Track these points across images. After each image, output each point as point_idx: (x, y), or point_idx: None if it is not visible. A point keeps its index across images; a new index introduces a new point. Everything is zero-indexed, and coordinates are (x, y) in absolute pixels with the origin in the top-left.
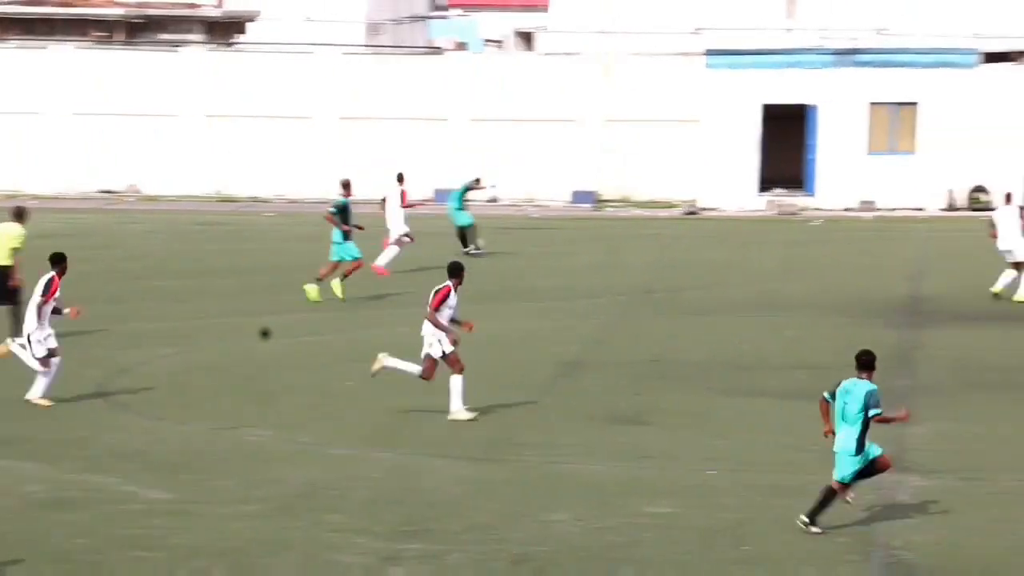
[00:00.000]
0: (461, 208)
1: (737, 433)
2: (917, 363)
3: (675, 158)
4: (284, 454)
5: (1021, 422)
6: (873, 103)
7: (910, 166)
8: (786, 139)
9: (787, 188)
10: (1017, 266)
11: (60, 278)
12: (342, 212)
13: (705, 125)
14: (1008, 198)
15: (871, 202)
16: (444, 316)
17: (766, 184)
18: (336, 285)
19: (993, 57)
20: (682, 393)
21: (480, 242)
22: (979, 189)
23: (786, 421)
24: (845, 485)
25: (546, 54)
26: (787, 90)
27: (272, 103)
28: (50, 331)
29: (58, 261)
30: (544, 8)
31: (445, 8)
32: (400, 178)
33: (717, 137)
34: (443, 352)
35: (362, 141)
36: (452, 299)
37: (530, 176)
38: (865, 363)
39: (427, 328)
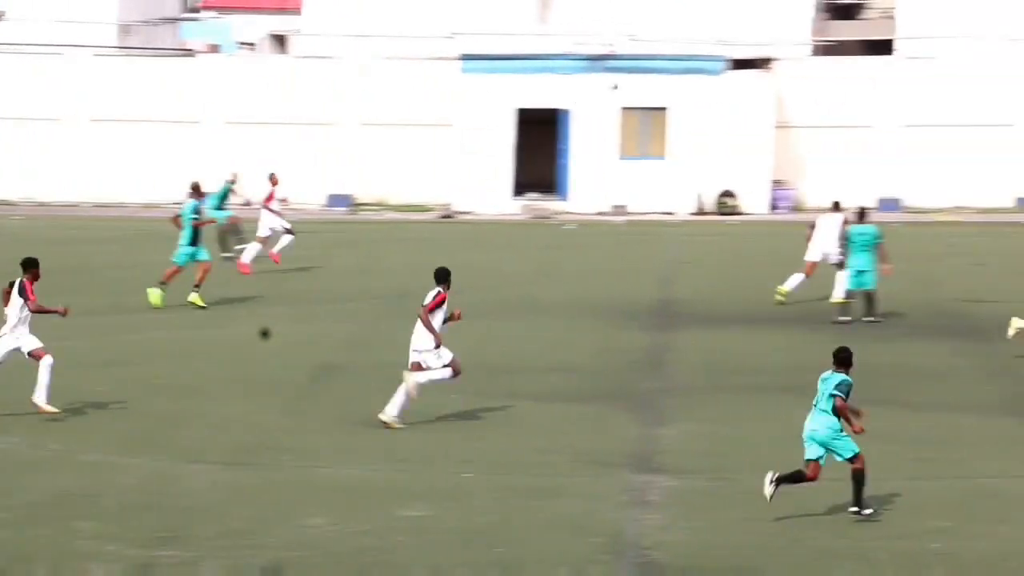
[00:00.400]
0: (220, 209)
1: (493, 435)
2: (668, 365)
3: (431, 162)
4: (33, 461)
5: (766, 423)
6: (625, 108)
7: (660, 171)
8: (541, 143)
9: (542, 192)
10: (839, 265)
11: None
12: (195, 215)
13: (460, 129)
14: (836, 206)
15: (623, 206)
16: (437, 321)
17: (521, 188)
18: (182, 291)
19: (740, 64)
20: (438, 396)
21: (237, 247)
22: (727, 194)
23: (542, 423)
24: (858, 456)
25: (300, 57)
26: (541, 95)
27: (20, 104)
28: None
29: (29, 266)
30: (298, 11)
31: (197, 10)
32: (272, 178)
33: (472, 141)
34: (418, 364)
35: (114, 143)
36: (444, 305)
37: (285, 179)
38: (842, 360)
39: (419, 339)
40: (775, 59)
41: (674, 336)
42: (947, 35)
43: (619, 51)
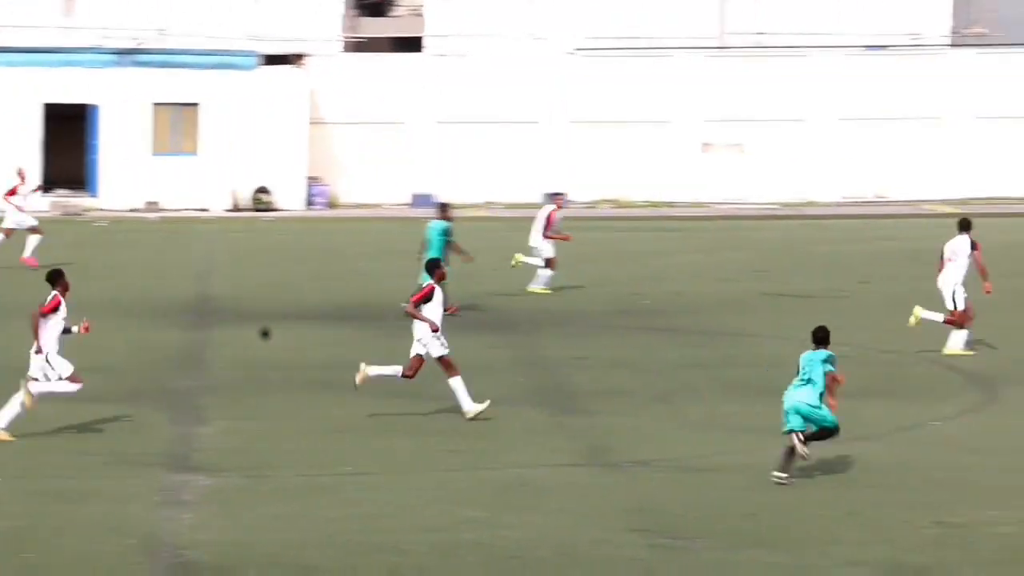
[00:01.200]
0: None
1: (21, 439)
2: (205, 363)
3: None
4: None
5: (301, 419)
6: (156, 104)
7: (194, 167)
8: (70, 139)
9: (71, 189)
10: (549, 263)
11: (63, 295)
12: None
13: None
14: (551, 197)
15: (156, 203)
16: (430, 311)
17: (50, 185)
18: None
19: (273, 60)
20: None
21: None
22: (262, 190)
23: (73, 424)
24: (799, 433)
25: None
26: (67, 89)
27: None
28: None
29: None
30: None
31: None
32: (20, 174)
33: None
34: (438, 356)
35: None
36: (438, 294)
37: None
38: (821, 338)
39: (418, 328)
40: (307, 55)
41: (211, 333)
42: (475, 33)
43: (148, 46)
